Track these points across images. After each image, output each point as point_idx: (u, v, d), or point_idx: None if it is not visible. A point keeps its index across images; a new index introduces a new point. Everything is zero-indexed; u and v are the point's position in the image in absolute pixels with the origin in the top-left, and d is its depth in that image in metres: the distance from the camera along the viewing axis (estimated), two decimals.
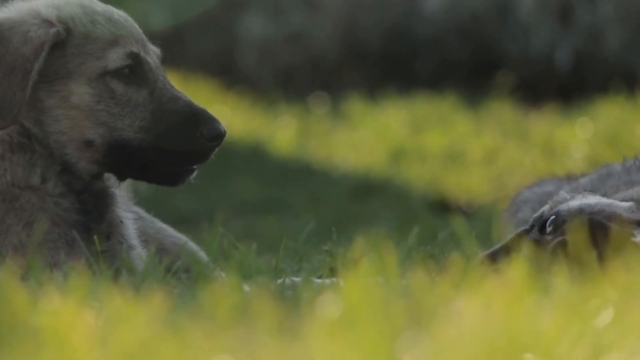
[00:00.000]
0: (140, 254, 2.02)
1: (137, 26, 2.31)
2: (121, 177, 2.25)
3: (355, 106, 4.99)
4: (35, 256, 1.67)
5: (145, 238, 1.96)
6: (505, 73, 5.29)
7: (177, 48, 4.92)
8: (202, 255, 1.98)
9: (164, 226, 2.03)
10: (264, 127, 4.50)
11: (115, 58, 2.21)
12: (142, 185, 2.16)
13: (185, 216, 3.91)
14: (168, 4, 4.87)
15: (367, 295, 1.37)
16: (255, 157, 4.15)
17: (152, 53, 2.30)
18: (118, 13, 2.29)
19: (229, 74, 5.11)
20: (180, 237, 2.00)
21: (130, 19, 2.32)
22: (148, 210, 2.26)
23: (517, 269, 1.48)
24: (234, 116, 4.61)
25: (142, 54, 2.24)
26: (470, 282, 1.50)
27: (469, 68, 5.22)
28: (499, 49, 5.17)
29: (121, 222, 2.24)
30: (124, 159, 2.18)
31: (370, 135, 4.64)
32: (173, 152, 2.19)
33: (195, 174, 2.15)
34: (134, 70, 2.23)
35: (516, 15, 5.11)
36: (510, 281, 1.44)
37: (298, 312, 1.45)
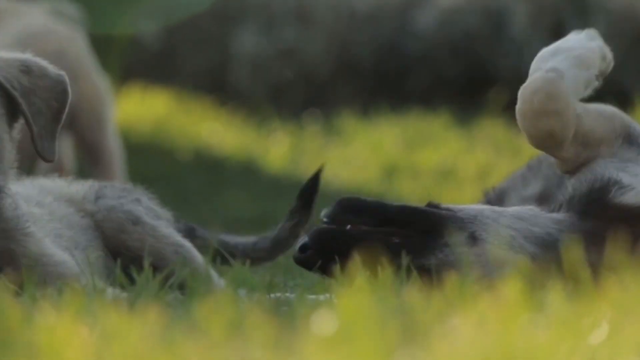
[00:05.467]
0: (58, 260, 1.92)
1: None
2: None
3: (348, 122, 5.01)
4: (30, 273, 1.67)
5: (142, 247, 1.93)
6: (498, 90, 5.31)
7: (170, 64, 4.94)
8: (201, 265, 1.94)
9: (167, 233, 2.00)
10: (257, 143, 4.51)
11: None
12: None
13: (178, 231, 3.89)
14: (156, 11, 4.90)
15: (362, 311, 1.38)
16: (248, 173, 4.16)
17: None
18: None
19: (222, 90, 5.12)
20: (183, 245, 1.98)
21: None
22: None
23: (511, 285, 1.48)
24: (227, 132, 4.63)
25: None
26: (464, 298, 1.50)
27: (461, 85, 5.25)
28: (492, 65, 5.20)
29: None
30: None
31: (363, 152, 4.65)
32: None
33: None
34: None
35: (509, 31, 5.14)
36: (505, 298, 1.45)
37: (293, 327, 1.45)
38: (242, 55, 5.24)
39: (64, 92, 1.87)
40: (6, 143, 1.84)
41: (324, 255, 1.96)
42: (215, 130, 4.54)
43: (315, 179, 2.15)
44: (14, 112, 1.86)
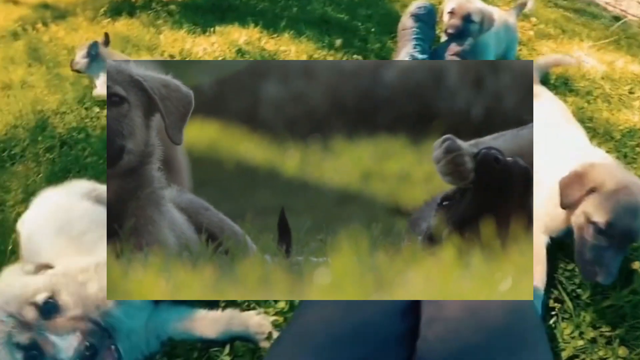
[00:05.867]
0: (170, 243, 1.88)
1: None
2: None
3: (338, 143, 5.01)
4: (126, 243, 1.68)
5: (211, 224, 1.93)
6: (438, 123, 5.32)
7: (219, 104, 4.94)
8: (241, 237, 1.92)
9: (224, 217, 2.01)
10: (277, 157, 4.51)
11: None
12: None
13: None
14: (210, 69, 4.90)
15: (347, 269, 1.39)
16: (271, 177, 4.16)
17: None
18: None
19: (254, 122, 5.12)
20: (234, 225, 1.99)
21: None
22: None
23: (447, 251, 1.49)
24: (257, 150, 4.63)
25: None
26: (416, 259, 1.51)
27: (414, 119, 5.25)
28: (434, 106, 5.20)
29: None
30: None
31: (348, 163, 4.65)
32: None
33: None
34: None
35: (445, 83, 5.14)
36: (443, 259, 1.46)
37: (301, 280, 1.46)
38: (267, 99, 5.24)
39: (190, 103, 1.88)
40: (138, 124, 1.86)
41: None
42: (249, 149, 4.54)
43: (282, 215, 2.06)
44: (152, 110, 1.86)
